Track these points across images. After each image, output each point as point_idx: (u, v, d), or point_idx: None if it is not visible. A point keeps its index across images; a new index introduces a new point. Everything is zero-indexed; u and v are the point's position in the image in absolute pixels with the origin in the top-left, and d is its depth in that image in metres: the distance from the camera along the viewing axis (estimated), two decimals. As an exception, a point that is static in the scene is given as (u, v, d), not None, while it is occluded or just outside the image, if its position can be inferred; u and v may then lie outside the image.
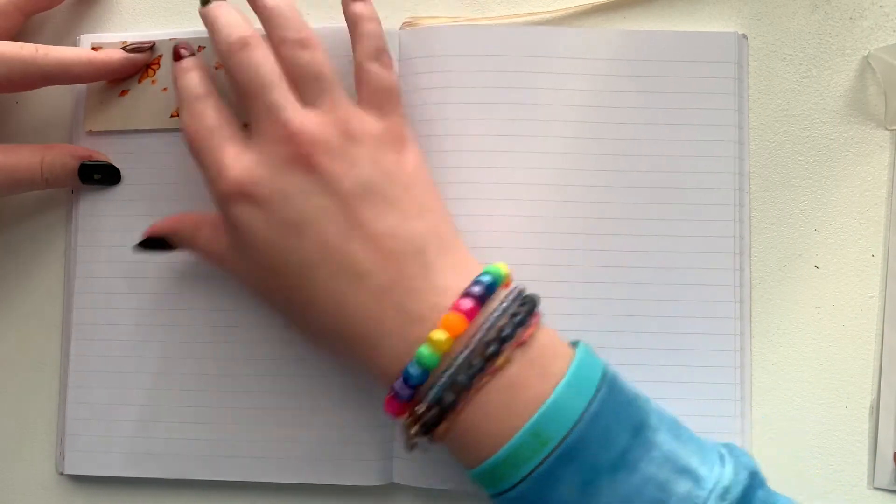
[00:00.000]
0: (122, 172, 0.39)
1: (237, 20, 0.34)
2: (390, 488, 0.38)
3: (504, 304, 0.31)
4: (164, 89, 0.39)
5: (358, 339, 0.32)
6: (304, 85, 0.33)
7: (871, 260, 0.39)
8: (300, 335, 0.36)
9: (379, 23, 0.35)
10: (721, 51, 0.38)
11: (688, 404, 0.37)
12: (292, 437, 0.38)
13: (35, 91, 0.38)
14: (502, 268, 0.32)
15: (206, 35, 0.39)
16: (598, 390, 0.30)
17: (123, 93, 0.39)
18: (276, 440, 0.38)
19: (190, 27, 0.40)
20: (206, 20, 0.35)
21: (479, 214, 0.38)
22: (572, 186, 0.38)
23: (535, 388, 0.30)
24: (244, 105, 0.34)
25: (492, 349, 0.30)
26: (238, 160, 0.32)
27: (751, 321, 0.39)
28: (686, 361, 0.38)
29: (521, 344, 0.31)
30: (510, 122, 0.38)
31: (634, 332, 0.38)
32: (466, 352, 0.30)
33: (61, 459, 0.39)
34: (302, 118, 0.32)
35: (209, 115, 0.34)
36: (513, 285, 0.33)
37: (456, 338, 0.30)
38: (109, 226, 0.39)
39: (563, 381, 0.30)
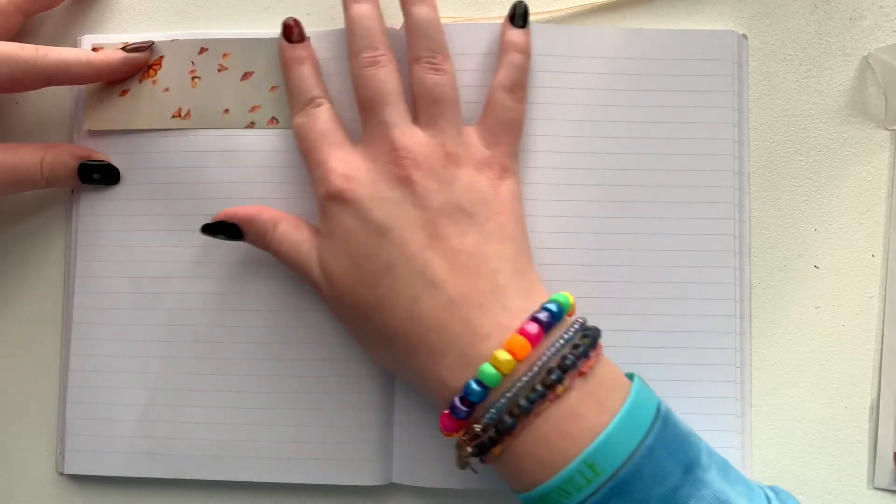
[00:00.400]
0: (123, 172, 0.39)
1: (374, 30, 0.36)
2: (390, 488, 0.38)
3: (568, 334, 0.32)
4: (166, 90, 0.39)
5: (422, 348, 0.32)
6: (423, 105, 0.35)
7: (870, 260, 0.39)
8: (362, 342, 0.36)
9: (528, 57, 0.37)
10: (721, 49, 0.38)
11: (688, 403, 0.37)
12: (292, 437, 0.38)
13: (35, 91, 0.38)
14: (569, 297, 0.33)
15: (207, 37, 0.39)
16: (652, 425, 0.31)
17: (124, 92, 0.39)
18: (276, 440, 0.38)
19: (190, 28, 0.40)
20: (347, 17, 0.36)
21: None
22: (572, 185, 0.38)
23: (592, 419, 0.31)
24: (361, 114, 0.36)
25: (554, 376, 0.31)
26: (343, 163, 0.35)
27: (751, 321, 0.39)
28: (686, 361, 0.38)
29: (582, 374, 0.31)
30: (510, 121, 0.38)
31: (634, 331, 0.38)
32: (529, 376, 0.31)
33: (61, 459, 0.39)
34: (408, 138, 0.34)
35: (322, 119, 0.36)
36: (576, 315, 0.33)
37: (519, 361, 0.31)
38: (109, 226, 0.39)
39: (620, 414, 0.31)
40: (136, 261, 0.39)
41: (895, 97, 0.39)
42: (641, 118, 0.38)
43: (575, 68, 0.38)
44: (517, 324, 0.32)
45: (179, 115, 0.39)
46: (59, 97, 0.40)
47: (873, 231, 0.39)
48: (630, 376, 0.33)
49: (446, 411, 0.32)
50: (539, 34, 0.38)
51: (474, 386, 0.31)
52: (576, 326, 0.32)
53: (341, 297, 0.34)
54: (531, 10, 0.38)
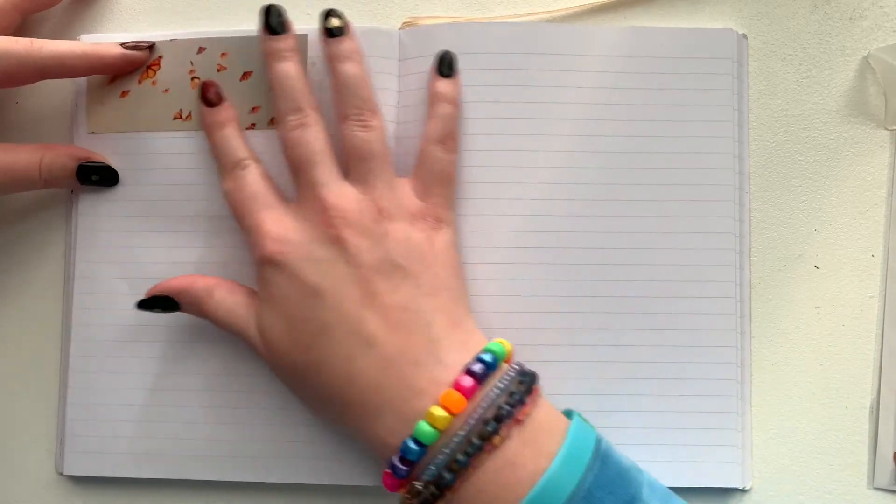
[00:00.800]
0: (123, 173, 0.39)
1: (298, 90, 0.36)
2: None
3: (503, 383, 0.32)
4: (166, 91, 0.39)
5: (360, 408, 0.33)
6: (353, 162, 0.35)
7: (871, 260, 0.39)
8: (303, 401, 0.37)
9: (457, 107, 0.37)
10: (720, 48, 0.38)
11: (688, 402, 0.37)
12: (291, 437, 0.38)
13: (35, 91, 0.38)
14: (504, 344, 0.34)
15: (205, 36, 0.39)
16: (591, 465, 0.31)
17: (124, 94, 0.39)
18: (276, 440, 0.38)
19: (189, 28, 0.40)
20: (271, 76, 0.36)
21: (480, 214, 0.38)
22: (572, 184, 0.38)
23: (531, 466, 0.31)
24: (292, 175, 0.36)
25: (490, 428, 0.31)
26: (276, 225, 0.35)
27: (751, 321, 0.39)
28: (686, 360, 0.38)
29: (518, 422, 0.31)
30: (508, 120, 0.38)
31: (634, 330, 0.38)
32: (465, 430, 0.31)
33: (61, 460, 0.39)
34: (338, 196, 0.34)
35: (250, 182, 0.36)
36: (513, 361, 0.34)
37: (455, 415, 0.31)
38: (109, 226, 0.39)
39: (557, 458, 0.31)
40: (136, 261, 0.39)
41: (895, 97, 0.39)
42: (641, 117, 0.38)
43: (574, 67, 0.38)
44: (452, 378, 0.32)
45: (180, 117, 0.39)
46: (59, 97, 0.40)
47: (873, 231, 0.39)
48: (568, 414, 0.34)
49: (387, 470, 0.32)
50: (538, 32, 0.38)
51: (412, 445, 0.31)
52: (511, 374, 0.33)
53: (278, 359, 0.34)
54: (532, 9, 0.38)
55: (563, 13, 0.40)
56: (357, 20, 0.37)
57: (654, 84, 0.38)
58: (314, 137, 0.35)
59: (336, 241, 0.34)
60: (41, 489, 0.39)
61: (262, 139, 0.38)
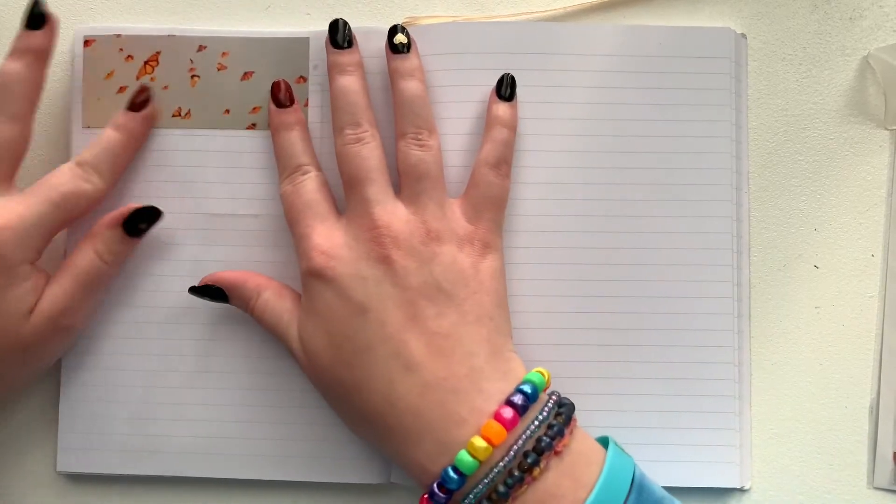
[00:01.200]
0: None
1: (358, 105, 0.36)
2: (388, 487, 0.38)
3: (543, 414, 0.32)
4: (165, 87, 0.39)
5: (399, 431, 0.33)
6: (406, 181, 0.35)
7: (870, 260, 0.39)
8: (341, 417, 0.36)
9: (513, 131, 0.37)
10: (718, 47, 0.38)
11: (687, 402, 0.37)
12: (290, 435, 0.38)
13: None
14: (543, 373, 0.34)
15: (205, 34, 0.39)
16: (627, 496, 0.31)
17: (121, 89, 0.39)
18: (274, 437, 0.38)
19: (186, 23, 0.40)
20: (332, 90, 0.36)
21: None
22: (571, 184, 0.38)
23: (570, 497, 0.31)
24: (345, 189, 0.36)
25: (530, 460, 0.31)
26: (326, 239, 0.35)
27: (750, 321, 0.39)
28: (685, 360, 0.38)
29: (557, 453, 0.32)
30: (510, 121, 0.38)
31: (633, 330, 0.38)
32: (505, 461, 0.31)
33: (57, 457, 0.39)
34: (389, 215, 0.34)
35: (308, 189, 0.36)
36: (550, 389, 0.34)
37: (495, 447, 0.31)
38: (108, 224, 0.39)
39: (596, 489, 0.31)
40: (134, 259, 0.39)
41: (895, 97, 0.39)
42: (640, 117, 0.38)
43: (573, 66, 0.38)
44: (493, 407, 0.32)
45: (179, 115, 0.39)
46: (55, 92, 0.40)
47: (873, 231, 0.39)
48: (604, 441, 0.34)
49: (425, 496, 0.32)
50: (537, 31, 0.38)
51: (452, 474, 0.31)
52: (550, 405, 0.33)
53: (319, 373, 0.35)
54: (531, 9, 0.38)
55: (562, 12, 0.40)
56: (357, 20, 0.37)
57: (653, 84, 0.38)
58: (370, 153, 0.35)
59: (384, 261, 0.34)
60: (38, 487, 0.39)
61: (262, 140, 0.38)
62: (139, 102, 0.38)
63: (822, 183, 0.39)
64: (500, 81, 0.37)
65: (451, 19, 0.39)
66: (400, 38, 0.36)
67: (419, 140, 0.36)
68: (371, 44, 0.38)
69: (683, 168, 0.38)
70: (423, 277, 0.34)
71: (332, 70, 0.36)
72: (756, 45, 0.40)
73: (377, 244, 0.34)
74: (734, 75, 0.39)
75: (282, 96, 0.37)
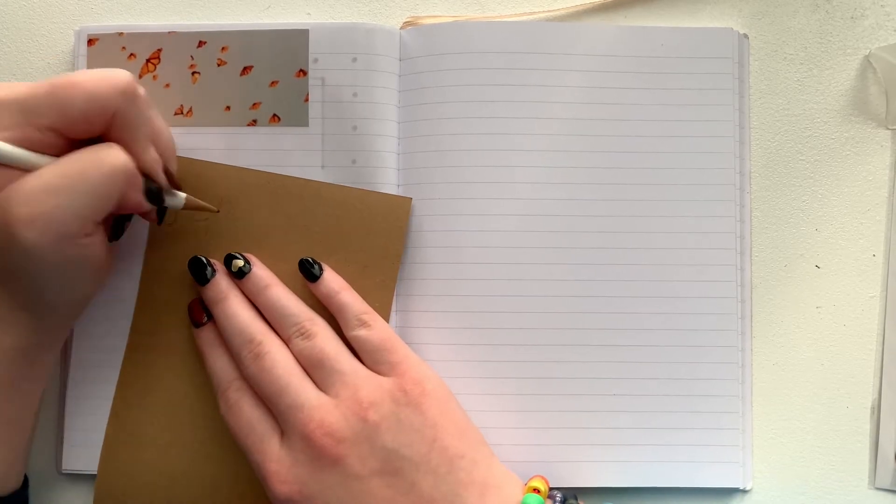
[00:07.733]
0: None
1: (244, 322, 0.36)
2: None
3: None
4: (167, 85, 0.39)
5: None
6: (313, 371, 0.35)
7: (872, 259, 0.39)
8: None
9: (349, 289, 0.37)
10: (720, 47, 0.38)
11: (689, 402, 0.37)
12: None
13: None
14: (540, 485, 0.34)
15: (204, 30, 0.39)
16: None
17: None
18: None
19: (187, 19, 0.40)
20: (218, 318, 0.37)
21: (480, 214, 0.38)
22: (573, 184, 0.38)
23: None
24: (269, 407, 0.35)
25: None
26: (278, 463, 0.34)
27: (752, 321, 0.39)
28: (687, 360, 0.37)
29: None
30: (510, 119, 0.38)
31: (635, 330, 0.38)
32: None
33: (60, 457, 0.39)
34: (318, 412, 0.34)
35: (245, 409, 0.35)
36: (550, 491, 0.35)
37: None
38: (109, 222, 0.39)
39: None
40: (136, 259, 0.39)
41: (896, 97, 0.39)
42: (642, 117, 0.38)
43: (575, 67, 0.38)
44: None
45: (181, 113, 0.39)
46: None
47: (874, 230, 0.39)
48: None
49: None
50: (539, 31, 0.38)
51: None
52: None
53: None
54: (532, 8, 0.38)
55: (563, 12, 0.40)
56: (358, 20, 0.38)
57: (655, 84, 0.38)
58: (272, 362, 0.35)
59: (337, 462, 0.33)
60: (41, 486, 0.39)
61: (262, 138, 0.38)
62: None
63: (824, 183, 0.39)
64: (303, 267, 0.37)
65: (451, 19, 0.40)
66: (237, 263, 0.37)
67: (302, 334, 0.36)
68: (373, 43, 0.38)
69: (686, 168, 0.38)
70: (380, 455, 0.33)
71: (208, 304, 0.37)
72: (757, 45, 0.40)
73: (320, 450, 0.33)
74: (737, 75, 0.39)
75: (197, 318, 0.37)
